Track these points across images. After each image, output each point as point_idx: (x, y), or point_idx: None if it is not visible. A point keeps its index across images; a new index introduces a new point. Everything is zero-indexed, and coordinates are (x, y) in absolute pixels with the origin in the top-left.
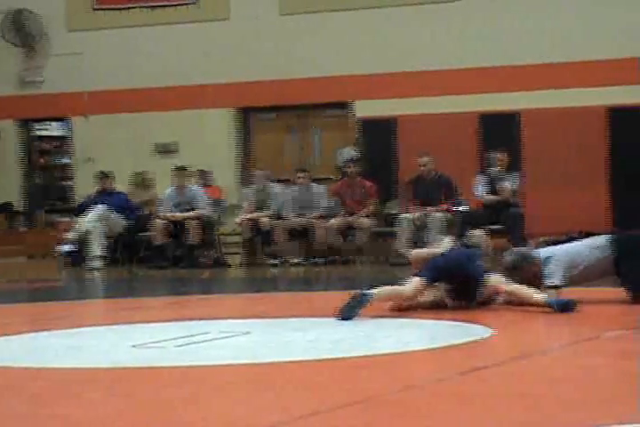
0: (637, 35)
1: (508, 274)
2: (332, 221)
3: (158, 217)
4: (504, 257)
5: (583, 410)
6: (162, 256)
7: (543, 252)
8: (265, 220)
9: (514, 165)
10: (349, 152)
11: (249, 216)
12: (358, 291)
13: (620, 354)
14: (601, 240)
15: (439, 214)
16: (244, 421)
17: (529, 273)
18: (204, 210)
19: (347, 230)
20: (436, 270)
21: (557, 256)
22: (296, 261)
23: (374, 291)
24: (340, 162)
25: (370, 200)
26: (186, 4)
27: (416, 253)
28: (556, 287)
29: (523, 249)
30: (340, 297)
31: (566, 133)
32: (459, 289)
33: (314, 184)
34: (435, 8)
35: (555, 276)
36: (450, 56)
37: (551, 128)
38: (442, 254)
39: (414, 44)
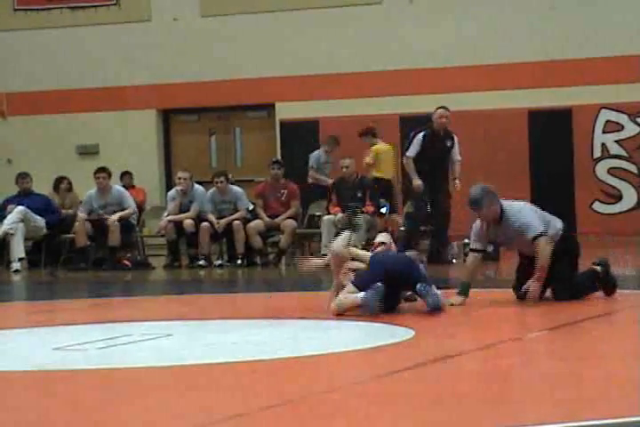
0: (548, 38)
1: (472, 208)
2: (254, 222)
3: (79, 219)
4: (470, 191)
5: (503, 410)
6: (84, 258)
7: (515, 204)
8: (188, 222)
9: None
10: (321, 156)
11: (171, 218)
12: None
13: (542, 354)
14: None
15: (362, 216)
16: (165, 423)
17: (489, 211)
18: (133, 208)
19: (268, 232)
20: (383, 273)
21: (530, 208)
22: (219, 262)
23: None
24: (312, 164)
25: (293, 202)
26: (107, 5)
27: (338, 251)
28: (541, 235)
29: (489, 186)
30: (262, 299)
31: (490, 134)
32: (389, 293)
33: (233, 186)
34: (354, 11)
35: (535, 224)
36: (369, 59)
37: (475, 129)
38: (382, 256)
39: (335, 47)
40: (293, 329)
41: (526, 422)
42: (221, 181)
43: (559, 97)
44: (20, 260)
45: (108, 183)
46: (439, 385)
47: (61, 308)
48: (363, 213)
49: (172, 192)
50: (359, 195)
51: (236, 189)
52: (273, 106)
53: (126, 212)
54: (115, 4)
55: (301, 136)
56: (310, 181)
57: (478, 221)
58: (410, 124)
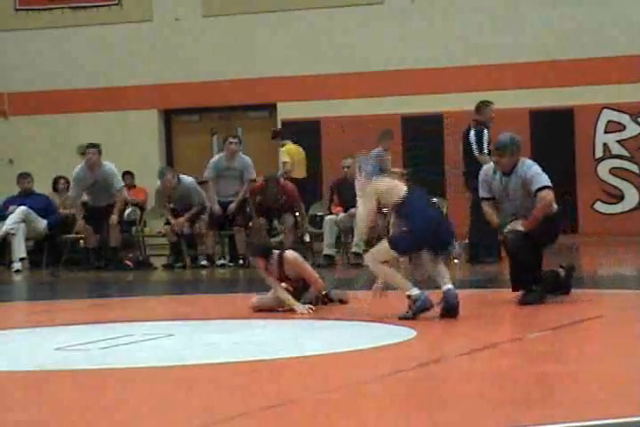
0: (559, 38)
1: (496, 154)
2: (255, 222)
3: (71, 202)
4: (500, 137)
5: (502, 410)
6: (86, 258)
7: (528, 160)
8: (181, 222)
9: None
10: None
11: (173, 222)
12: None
13: (541, 355)
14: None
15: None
16: (167, 423)
17: (510, 161)
18: (122, 185)
19: (269, 231)
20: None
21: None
22: (221, 262)
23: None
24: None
25: (294, 203)
26: (108, 5)
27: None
28: (546, 188)
29: (518, 137)
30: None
31: (491, 134)
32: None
33: (243, 155)
34: (356, 11)
35: (545, 177)
36: (371, 59)
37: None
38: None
39: (336, 47)
40: (294, 329)
41: (527, 423)
42: (235, 142)
43: (561, 97)
44: (22, 260)
45: (99, 159)
46: (440, 385)
47: (63, 308)
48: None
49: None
50: None
51: (245, 157)
52: (274, 106)
53: (120, 200)
54: (116, 4)
55: (303, 136)
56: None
57: (483, 172)
58: (411, 123)
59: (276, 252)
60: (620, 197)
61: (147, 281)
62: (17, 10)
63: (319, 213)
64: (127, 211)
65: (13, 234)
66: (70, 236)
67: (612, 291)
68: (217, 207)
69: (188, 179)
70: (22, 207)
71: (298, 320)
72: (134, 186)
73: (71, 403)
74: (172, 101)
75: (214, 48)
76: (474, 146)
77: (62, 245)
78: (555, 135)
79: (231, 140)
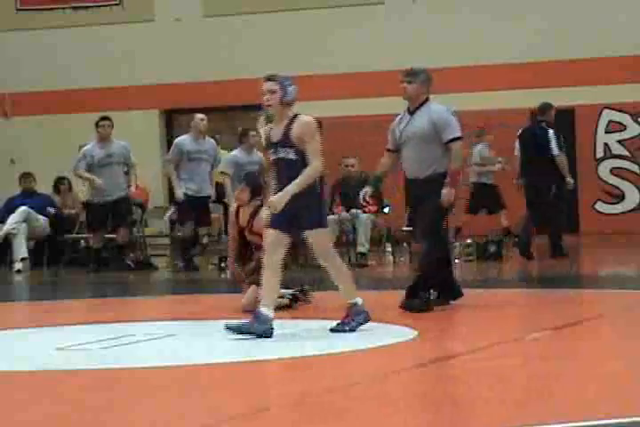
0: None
1: (406, 78)
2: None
3: (77, 174)
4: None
5: (502, 410)
6: (87, 258)
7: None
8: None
9: None
10: (483, 150)
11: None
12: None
13: (541, 355)
14: None
15: (365, 215)
16: (170, 423)
17: (417, 89)
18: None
19: None
20: None
21: None
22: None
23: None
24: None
25: None
26: (109, 5)
27: None
28: (459, 139)
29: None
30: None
31: (491, 134)
32: None
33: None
34: (357, 11)
35: (457, 127)
36: (372, 59)
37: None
38: None
39: (338, 47)
40: (295, 329)
41: (527, 423)
42: (254, 135)
43: (562, 97)
44: (23, 260)
45: (111, 133)
46: (440, 386)
47: (64, 308)
48: (366, 212)
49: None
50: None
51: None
52: None
53: (134, 175)
54: (117, 5)
55: None
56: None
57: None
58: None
59: (258, 201)
60: (620, 197)
61: (148, 281)
62: (18, 10)
63: None
64: None
65: (14, 234)
66: (71, 236)
67: (613, 291)
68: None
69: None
70: (23, 207)
71: (298, 320)
72: (136, 186)
73: (72, 403)
74: (173, 101)
75: (215, 48)
76: (553, 145)
77: (63, 245)
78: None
79: (253, 133)
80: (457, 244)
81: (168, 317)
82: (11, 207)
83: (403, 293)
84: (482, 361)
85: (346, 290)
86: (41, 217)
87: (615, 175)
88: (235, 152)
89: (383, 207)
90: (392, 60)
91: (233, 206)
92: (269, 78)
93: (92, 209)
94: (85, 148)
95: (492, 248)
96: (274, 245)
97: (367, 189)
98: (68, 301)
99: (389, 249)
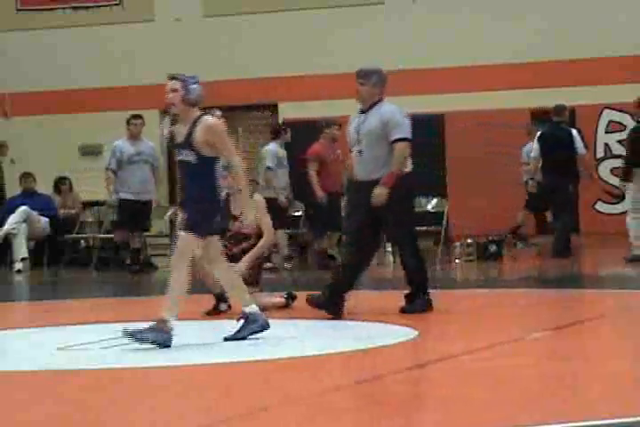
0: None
1: (358, 80)
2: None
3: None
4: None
5: (503, 411)
6: (87, 258)
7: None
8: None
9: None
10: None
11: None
12: None
13: (543, 355)
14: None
15: None
16: (170, 423)
17: (371, 91)
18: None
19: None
20: None
21: None
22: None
23: None
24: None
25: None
26: (109, 5)
27: None
28: (405, 140)
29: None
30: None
31: (492, 134)
32: None
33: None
34: (357, 11)
35: (408, 129)
36: (372, 59)
37: (477, 129)
38: None
39: (338, 47)
40: (294, 329)
41: (527, 423)
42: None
43: (562, 97)
44: (23, 260)
45: (141, 132)
46: (440, 386)
47: (65, 308)
48: None
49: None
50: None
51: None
52: (276, 106)
53: (158, 178)
54: (117, 5)
55: (305, 136)
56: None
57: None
58: (414, 123)
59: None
60: (620, 197)
61: (149, 281)
62: (18, 10)
63: None
64: None
65: (15, 234)
66: (72, 236)
67: (614, 291)
68: (283, 199)
69: None
70: (23, 207)
71: (297, 320)
72: None
73: (73, 403)
74: None
75: (215, 48)
76: (579, 144)
77: (63, 245)
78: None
79: (285, 127)
80: (457, 244)
81: None
82: (11, 207)
83: (402, 293)
84: (482, 361)
85: (240, 297)
86: (41, 217)
87: (615, 175)
88: (270, 146)
89: None
90: (392, 59)
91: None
92: (172, 77)
93: (125, 206)
94: (115, 143)
95: (493, 248)
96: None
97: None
98: (68, 301)
99: (389, 249)
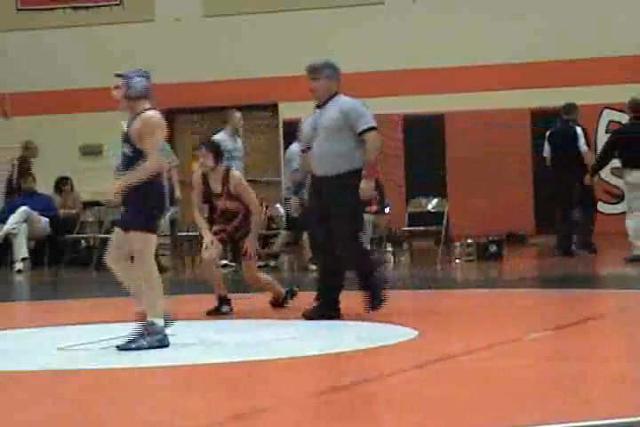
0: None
1: (310, 77)
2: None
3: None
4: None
5: (503, 411)
6: (88, 258)
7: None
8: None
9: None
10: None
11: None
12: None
13: (543, 355)
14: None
15: (367, 216)
16: (170, 423)
17: (326, 85)
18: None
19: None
20: None
21: None
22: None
23: None
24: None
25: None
26: (110, 5)
27: None
28: (374, 129)
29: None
30: (264, 299)
31: (490, 135)
32: None
33: None
34: (357, 11)
35: (371, 117)
36: (372, 59)
37: (477, 129)
38: None
39: (338, 47)
40: (295, 329)
41: (528, 423)
42: None
43: (562, 97)
44: (23, 260)
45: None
46: (441, 385)
47: (65, 308)
48: (367, 212)
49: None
50: None
51: None
52: (276, 106)
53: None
54: (118, 5)
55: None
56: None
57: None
58: (413, 123)
59: (225, 164)
60: (621, 197)
61: None
62: (19, 10)
63: None
64: None
65: (15, 234)
66: (72, 236)
67: (614, 291)
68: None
69: None
70: (24, 207)
71: (298, 320)
72: None
73: (73, 403)
74: (174, 101)
75: (215, 48)
76: (581, 142)
77: (64, 245)
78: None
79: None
80: (457, 244)
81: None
82: (11, 207)
83: (403, 292)
84: (481, 361)
85: (149, 305)
86: (42, 217)
87: (616, 175)
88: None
89: (384, 207)
90: (392, 59)
91: (197, 173)
92: (117, 75)
93: None
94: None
95: (493, 248)
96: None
97: (293, 200)
98: (68, 301)
99: (390, 249)
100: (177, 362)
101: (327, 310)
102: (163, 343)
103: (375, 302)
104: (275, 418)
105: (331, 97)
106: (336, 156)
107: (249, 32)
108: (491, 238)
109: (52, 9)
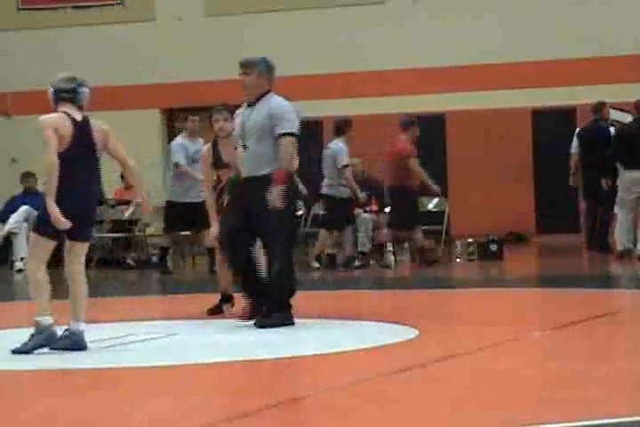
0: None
1: (242, 71)
2: None
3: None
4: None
5: (505, 410)
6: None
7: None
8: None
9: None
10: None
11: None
12: None
13: (543, 354)
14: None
15: (367, 215)
16: (170, 423)
17: (257, 81)
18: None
19: None
20: None
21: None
22: None
23: None
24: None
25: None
26: (111, 4)
27: None
28: (292, 135)
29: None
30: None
31: (491, 134)
32: None
33: None
34: (358, 11)
35: (294, 124)
36: (372, 59)
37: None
38: None
39: (338, 47)
40: (295, 329)
41: (530, 423)
42: None
43: (562, 97)
44: (24, 259)
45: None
46: (441, 385)
47: (65, 308)
48: (369, 211)
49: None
50: (367, 193)
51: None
52: None
53: None
54: (120, 4)
55: (305, 135)
56: None
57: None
58: (421, 122)
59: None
60: None
61: (150, 280)
62: (20, 9)
63: (321, 213)
64: (130, 210)
65: (16, 233)
66: None
67: (618, 290)
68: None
69: None
70: (25, 207)
71: (299, 320)
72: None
73: (70, 402)
74: (175, 100)
75: (217, 47)
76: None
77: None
78: (557, 135)
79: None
80: (458, 243)
81: (169, 316)
82: (12, 207)
83: (403, 292)
84: (483, 360)
85: (40, 304)
86: None
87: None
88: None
89: (384, 207)
90: (396, 59)
91: (206, 147)
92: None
93: (175, 209)
94: (179, 140)
95: (494, 247)
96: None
97: (225, 198)
98: (68, 300)
99: (390, 249)
100: (177, 362)
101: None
102: (48, 342)
103: (274, 320)
104: (276, 417)
105: (262, 95)
106: (263, 157)
107: (249, 31)
108: (491, 238)
109: (53, 8)
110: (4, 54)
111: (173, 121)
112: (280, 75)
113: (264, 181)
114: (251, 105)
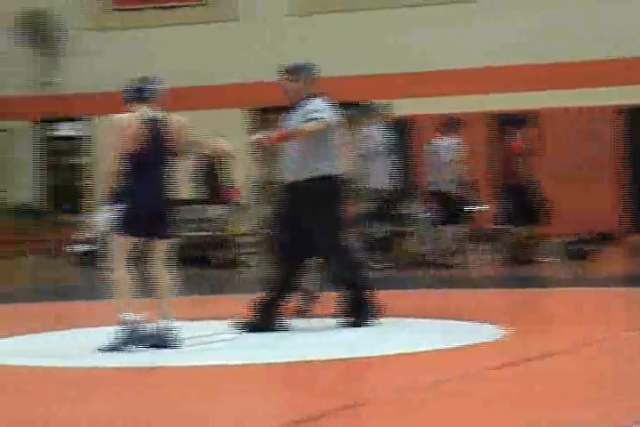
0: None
1: (287, 77)
2: None
3: None
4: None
5: (599, 409)
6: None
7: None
8: None
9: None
10: None
11: None
12: None
13: (633, 354)
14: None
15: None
16: (248, 423)
17: (298, 87)
18: None
19: None
20: None
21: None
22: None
23: None
24: None
25: None
26: (194, 4)
27: None
28: (320, 120)
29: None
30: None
31: (581, 133)
32: None
33: None
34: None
35: (326, 114)
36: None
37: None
38: None
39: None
40: (379, 327)
41: (619, 424)
42: None
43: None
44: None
45: None
46: (527, 385)
47: (149, 306)
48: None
49: None
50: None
51: None
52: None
53: None
54: (202, 5)
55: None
56: None
57: None
58: (503, 121)
59: None
60: None
61: (238, 279)
62: (113, 10)
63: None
64: (220, 210)
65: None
66: None
67: None
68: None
69: None
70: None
71: (389, 319)
72: (232, 186)
73: (152, 400)
74: (266, 99)
75: (298, 47)
76: None
77: None
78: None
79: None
80: None
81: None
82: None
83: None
84: (573, 360)
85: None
86: None
87: None
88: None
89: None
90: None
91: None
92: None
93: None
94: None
95: (581, 247)
96: None
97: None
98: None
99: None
100: (262, 360)
101: (263, 320)
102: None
103: (359, 320)
104: (355, 416)
105: (304, 99)
106: (304, 161)
107: (334, 31)
108: (579, 237)
109: (143, 9)
110: (100, 55)
111: (266, 121)
112: (357, 73)
113: (307, 185)
114: (293, 109)
